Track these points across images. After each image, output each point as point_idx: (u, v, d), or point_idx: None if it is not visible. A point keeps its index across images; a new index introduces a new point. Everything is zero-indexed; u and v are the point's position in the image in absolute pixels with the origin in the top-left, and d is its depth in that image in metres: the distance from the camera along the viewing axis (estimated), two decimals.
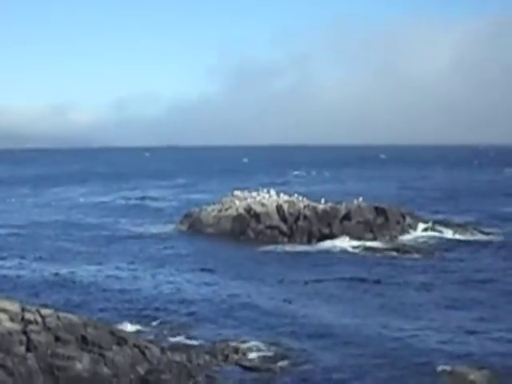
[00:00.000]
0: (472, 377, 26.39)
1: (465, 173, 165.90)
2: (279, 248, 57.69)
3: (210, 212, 66.06)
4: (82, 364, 25.02)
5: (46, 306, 28.99)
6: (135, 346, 26.54)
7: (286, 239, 60.78)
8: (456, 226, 65.37)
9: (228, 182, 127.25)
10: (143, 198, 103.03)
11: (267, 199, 64.70)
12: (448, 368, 27.28)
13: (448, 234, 62.82)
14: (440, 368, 27.40)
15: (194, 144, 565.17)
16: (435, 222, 65.96)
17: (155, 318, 35.34)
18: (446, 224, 66.20)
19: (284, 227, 61.94)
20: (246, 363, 28.19)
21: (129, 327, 32.34)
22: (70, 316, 26.75)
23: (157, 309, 37.59)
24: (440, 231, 63.44)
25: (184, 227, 66.96)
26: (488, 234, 63.21)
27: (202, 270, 48.77)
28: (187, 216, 68.32)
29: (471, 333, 32.59)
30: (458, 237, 61.82)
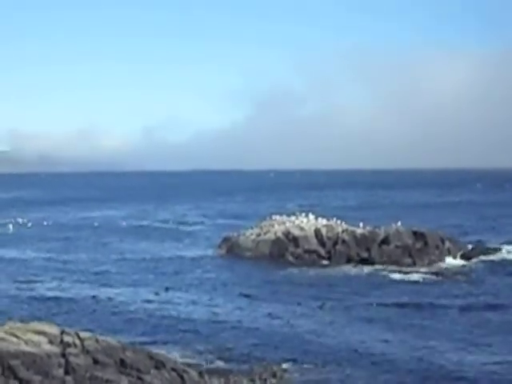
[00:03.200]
0: None
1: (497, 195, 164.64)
2: (318, 272, 57.52)
3: (249, 236, 66.10)
4: None
5: (85, 329, 29.14)
6: (173, 369, 26.58)
7: (324, 263, 60.65)
8: (496, 252, 64.76)
9: (262, 203, 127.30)
10: (182, 223, 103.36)
11: (305, 223, 64.63)
12: None
13: (486, 259, 62.20)
14: None
15: (221, 168, 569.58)
16: (474, 248, 65.44)
17: (194, 342, 35.34)
18: (486, 249, 65.62)
19: (322, 251, 61.84)
20: None
21: (167, 351, 32.34)
22: (108, 339, 26.90)
23: (196, 333, 37.59)
24: (479, 256, 62.83)
25: (223, 251, 67.05)
26: None
27: (241, 294, 48.70)
28: (226, 240, 68.40)
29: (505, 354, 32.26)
30: (496, 262, 61.25)
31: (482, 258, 62.21)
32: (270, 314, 41.98)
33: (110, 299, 46.45)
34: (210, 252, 68.57)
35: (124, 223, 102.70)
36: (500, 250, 65.43)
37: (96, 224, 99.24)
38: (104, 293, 48.63)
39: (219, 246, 68.48)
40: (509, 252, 64.38)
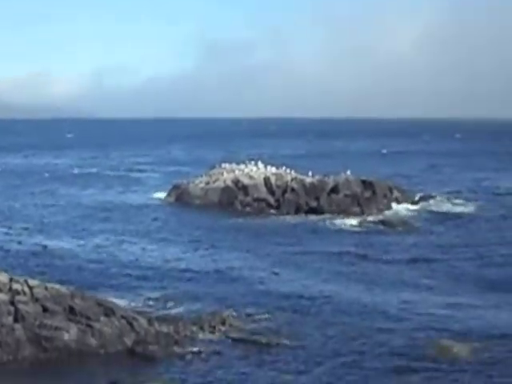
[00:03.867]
0: (456, 349, 26.63)
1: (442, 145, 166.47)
2: (267, 220, 57.83)
3: (198, 184, 66.05)
4: (69, 335, 25.15)
5: (33, 277, 29.00)
6: (123, 317, 26.67)
7: (273, 211, 60.97)
8: (443, 201, 65.70)
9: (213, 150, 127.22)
10: (132, 170, 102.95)
11: (255, 171, 64.74)
12: (432, 342, 27.50)
13: (434, 207, 63.10)
14: (425, 342, 27.63)
15: (171, 116, 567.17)
16: (422, 196, 66.34)
17: (143, 289, 35.44)
18: (433, 197, 66.56)
19: (271, 199, 62.09)
20: (233, 335, 28.33)
21: (116, 298, 32.36)
22: (57, 287, 26.85)
23: (145, 280, 37.68)
24: (426, 205, 63.70)
25: (172, 199, 66.97)
26: (471, 206, 63.70)
27: (190, 241, 48.87)
28: (175, 187, 68.27)
29: (453, 307, 32.83)
30: (442, 210, 62.17)
31: (429, 208, 63.09)
32: (218, 262, 42.19)
33: (58, 247, 46.25)
34: (159, 199, 68.46)
35: (74, 171, 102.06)
36: (446, 200, 66.28)
37: (45, 171, 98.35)
38: (52, 241, 48.44)
39: (168, 194, 68.34)
40: (454, 203, 65.21)
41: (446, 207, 63.34)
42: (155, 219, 58.31)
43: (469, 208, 63.31)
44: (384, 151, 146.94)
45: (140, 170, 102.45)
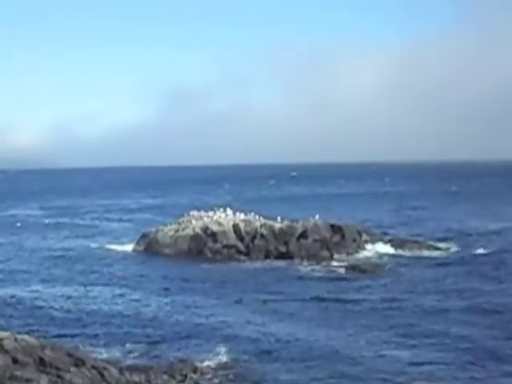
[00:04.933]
0: None
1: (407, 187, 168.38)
2: (237, 267, 57.80)
3: (167, 232, 65.88)
4: None
5: (2, 328, 28.69)
6: (93, 367, 26.40)
7: (243, 258, 60.97)
8: (411, 243, 66.05)
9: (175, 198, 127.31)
10: (100, 219, 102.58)
11: (223, 218, 64.76)
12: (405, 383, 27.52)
13: (403, 250, 63.41)
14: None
15: (134, 164, 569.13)
16: (391, 239, 66.68)
17: (113, 339, 35.15)
18: (402, 241, 66.86)
19: (241, 246, 62.12)
20: (205, 383, 28.14)
21: (87, 348, 32.08)
22: (27, 338, 26.56)
23: (115, 329, 37.38)
24: (395, 248, 63.96)
25: (141, 247, 66.68)
26: (442, 249, 64.14)
27: (159, 290, 48.55)
28: (144, 236, 68.04)
29: (424, 348, 32.94)
30: (411, 253, 62.51)
31: (398, 251, 63.33)
32: (188, 310, 41.99)
33: (27, 297, 45.81)
34: (128, 248, 68.11)
35: (43, 220, 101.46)
36: (415, 243, 66.60)
37: (16, 221, 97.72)
38: (22, 291, 47.96)
39: (137, 242, 68.06)
40: (423, 246, 65.54)
41: (415, 250, 63.65)
42: (124, 268, 57.99)
43: (438, 251, 63.73)
44: (344, 192, 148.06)
45: (108, 219, 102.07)
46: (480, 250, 62.98)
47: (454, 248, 64.75)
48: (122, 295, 46.87)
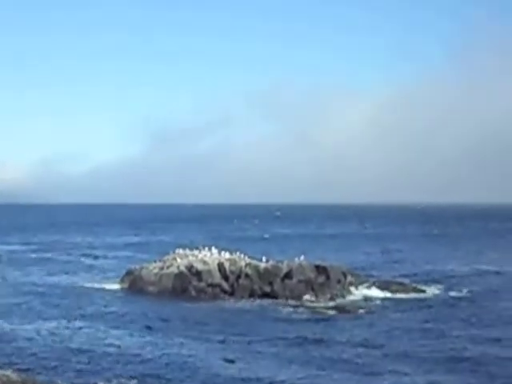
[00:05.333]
0: None
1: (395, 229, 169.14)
2: (221, 306, 57.62)
3: (152, 270, 65.69)
4: None
5: None
6: None
7: (227, 297, 60.82)
8: (395, 285, 66.09)
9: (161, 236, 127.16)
10: (85, 255, 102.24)
11: (208, 257, 64.68)
12: None
13: (388, 292, 63.41)
14: None
15: (119, 202, 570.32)
16: (375, 281, 66.71)
17: (94, 376, 34.90)
18: (386, 282, 66.90)
19: (226, 285, 62.01)
20: None
21: None
22: (8, 373, 26.42)
23: (96, 366, 37.13)
24: (380, 289, 63.95)
25: (125, 285, 66.45)
26: (425, 292, 64.25)
27: (142, 328, 48.22)
28: (128, 273, 67.83)
29: None
30: (396, 294, 62.54)
31: (383, 292, 63.30)
32: (170, 349, 41.75)
33: (9, 332, 45.50)
34: (112, 285, 67.81)
35: (28, 255, 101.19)
36: (400, 285, 66.64)
37: (1, 256, 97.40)
38: (4, 326, 47.62)
39: (122, 280, 67.83)
40: (408, 288, 65.60)
41: (399, 292, 63.65)
42: (107, 305, 57.71)
43: (421, 293, 63.81)
44: (331, 233, 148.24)
45: (94, 256, 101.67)
46: (462, 293, 63.25)
47: (436, 291, 64.86)
48: (104, 332, 46.58)
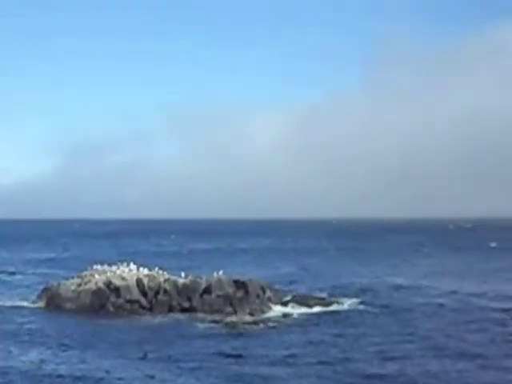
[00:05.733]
0: None
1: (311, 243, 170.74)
2: (139, 322, 57.34)
3: (69, 286, 64.97)
4: None
5: None
6: None
7: (146, 313, 60.57)
8: (313, 299, 66.80)
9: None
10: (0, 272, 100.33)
11: (127, 273, 64.32)
12: None
13: (306, 306, 63.95)
14: None
15: (36, 217, 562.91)
16: (294, 296, 67.27)
17: None
18: (304, 297, 67.51)
19: (144, 301, 61.76)
20: None
21: None
22: None
23: None
24: (299, 303, 64.48)
25: (42, 302, 65.50)
26: (342, 304, 65.08)
27: (58, 346, 47.64)
28: (45, 290, 66.92)
29: None
30: (315, 308, 63.13)
31: (302, 306, 63.81)
32: (88, 366, 41.42)
33: None
34: (29, 302, 66.81)
35: None
36: (319, 298, 67.37)
37: None
38: None
39: (38, 297, 66.88)
40: (327, 301, 66.32)
41: (319, 306, 64.27)
42: (23, 323, 56.81)
43: (340, 305, 64.55)
44: (244, 247, 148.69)
45: (9, 272, 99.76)
46: (378, 307, 64.14)
47: (353, 304, 65.51)
48: (19, 351, 45.91)
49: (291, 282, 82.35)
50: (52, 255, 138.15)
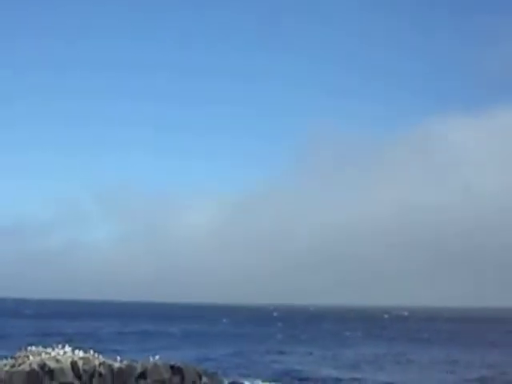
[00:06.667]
0: None
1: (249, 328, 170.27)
2: None
3: (2, 367, 63.60)
4: None
5: None
6: None
7: None
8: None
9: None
10: None
11: (62, 355, 63.33)
12: None
13: None
14: None
15: None
16: (231, 382, 67.11)
17: None
18: (240, 382, 67.47)
19: None
20: None
21: None
22: None
23: None
24: None
25: None
26: None
27: None
28: None
29: None
30: None
31: None
32: None
33: None
34: None
35: None
36: None
37: None
38: None
39: None
40: None
41: None
42: None
43: None
44: (178, 334, 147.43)
45: None
46: None
47: None
48: None
49: (228, 367, 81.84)
50: None
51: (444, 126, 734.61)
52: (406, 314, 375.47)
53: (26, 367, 62.36)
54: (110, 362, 63.11)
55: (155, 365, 62.53)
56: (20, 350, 66.65)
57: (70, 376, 61.30)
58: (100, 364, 62.42)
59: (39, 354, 63.68)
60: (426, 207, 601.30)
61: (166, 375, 61.75)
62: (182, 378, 62.19)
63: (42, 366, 61.96)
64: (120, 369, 61.84)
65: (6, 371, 62.77)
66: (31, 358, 63.06)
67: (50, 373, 61.41)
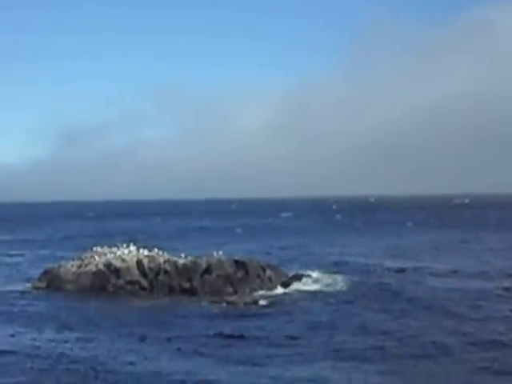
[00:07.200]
0: None
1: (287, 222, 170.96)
2: (139, 303, 57.40)
3: (70, 268, 64.99)
4: None
5: None
6: None
7: (146, 294, 60.63)
8: (313, 277, 67.13)
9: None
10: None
11: (127, 254, 64.30)
12: None
13: (306, 285, 64.09)
14: None
15: (33, 200, 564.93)
16: (294, 275, 67.32)
17: (11, 376, 34.58)
18: (305, 275, 67.62)
19: (144, 282, 61.78)
20: None
21: None
22: None
23: (12, 367, 36.72)
24: (299, 283, 64.62)
25: (43, 284, 65.52)
26: (341, 282, 65.25)
27: (59, 328, 47.65)
28: (46, 272, 66.93)
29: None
30: (315, 288, 63.17)
31: (302, 286, 63.94)
32: (90, 348, 41.51)
33: None
34: (29, 285, 66.80)
35: None
36: (318, 278, 67.54)
37: None
38: None
39: (39, 279, 66.88)
40: (325, 281, 66.41)
41: (319, 285, 64.40)
42: (24, 305, 56.86)
43: (340, 284, 64.53)
44: (239, 230, 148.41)
45: (9, 255, 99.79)
46: (376, 284, 64.44)
47: (353, 282, 65.52)
48: (21, 333, 46.03)
49: (291, 261, 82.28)
50: (43, 237, 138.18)
51: (505, 13, 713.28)
52: (467, 201, 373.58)
53: (92, 267, 63.54)
54: (174, 259, 63.79)
55: (219, 260, 62.99)
56: (86, 250, 67.91)
57: (136, 274, 62.30)
58: (165, 261, 63.17)
59: (105, 254, 64.74)
60: (484, 96, 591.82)
61: (231, 269, 62.22)
62: (246, 272, 62.63)
63: (108, 265, 63.03)
64: (185, 265, 62.47)
65: (73, 272, 64.11)
66: (97, 258, 64.15)
67: (116, 272, 62.47)
